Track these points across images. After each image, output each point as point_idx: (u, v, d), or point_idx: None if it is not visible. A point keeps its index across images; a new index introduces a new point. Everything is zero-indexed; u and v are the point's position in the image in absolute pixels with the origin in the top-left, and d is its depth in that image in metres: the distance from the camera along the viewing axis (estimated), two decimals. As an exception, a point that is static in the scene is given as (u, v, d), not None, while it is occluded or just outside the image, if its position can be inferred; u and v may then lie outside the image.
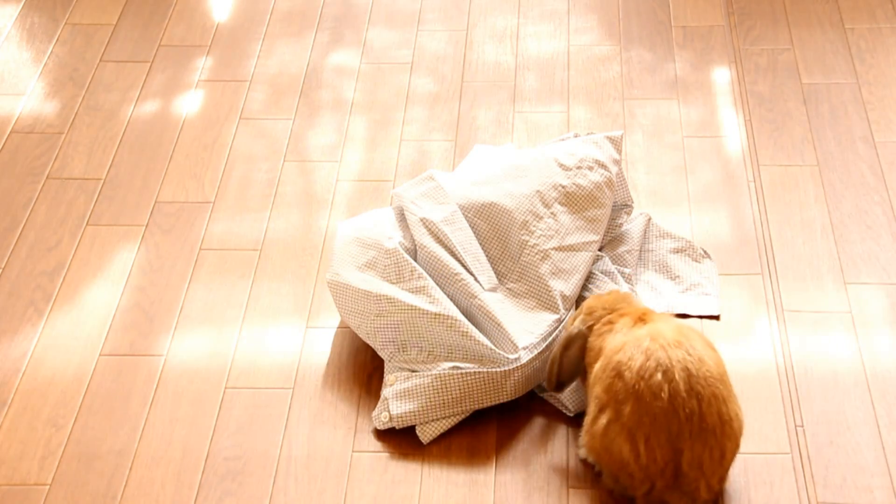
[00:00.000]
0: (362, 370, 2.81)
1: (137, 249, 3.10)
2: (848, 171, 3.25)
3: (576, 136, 3.17)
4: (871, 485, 2.55)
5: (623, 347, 2.42)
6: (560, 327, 2.74)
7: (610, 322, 2.54)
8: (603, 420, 2.41)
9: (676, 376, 2.35)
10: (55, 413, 2.73)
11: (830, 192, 3.19)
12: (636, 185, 3.22)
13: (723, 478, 2.44)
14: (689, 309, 2.89)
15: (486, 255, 2.84)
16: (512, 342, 2.66)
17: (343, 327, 2.90)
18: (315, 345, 2.87)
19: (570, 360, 2.59)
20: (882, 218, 3.12)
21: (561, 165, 2.93)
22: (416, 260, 2.81)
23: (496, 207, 2.87)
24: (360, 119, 3.47)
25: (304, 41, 3.75)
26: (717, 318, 2.88)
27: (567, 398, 2.70)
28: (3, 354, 2.86)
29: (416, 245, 2.82)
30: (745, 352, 2.82)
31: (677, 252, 3.02)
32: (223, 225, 3.16)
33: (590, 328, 2.57)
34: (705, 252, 3.02)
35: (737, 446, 2.43)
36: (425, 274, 2.75)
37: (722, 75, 3.57)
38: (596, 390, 2.45)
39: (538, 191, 2.89)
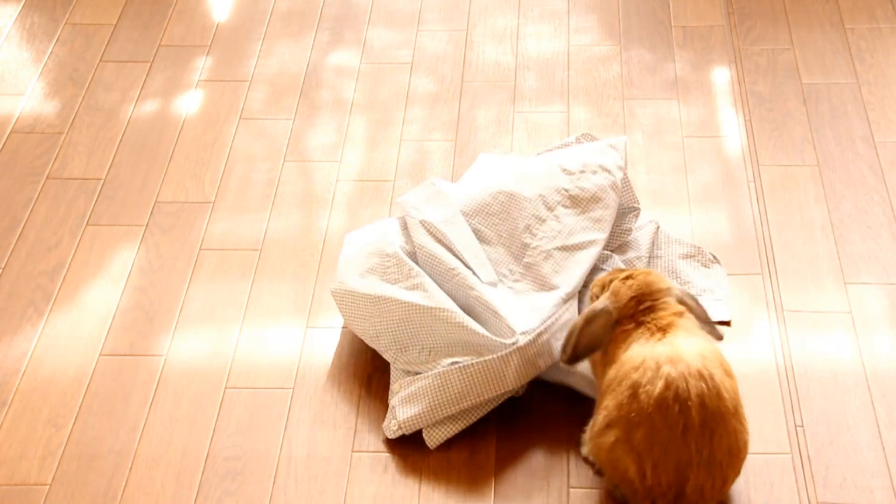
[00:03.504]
0: (362, 370, 2.81)
1: (137, 249, 3.10)
2: (848, 171, 3.25)
3: (577, 141, 3.16)
4: (871, 485, 2.55)
5: (641, 365, 2.36)
6: (560, 311, 2.72)
7: (627, 330, 2.46)
8: (611, 436, 2.39)
9: (693, 412, 2.31)
10: (55, 413, 2.73)
11: (830, 192, 3.19)
12: (636, 185, 3.22)
13: (721, 502, 2.45)
14: None
15: (489, 258, 2.84)
16: (510, 328, 2.64)
17: (343, 327, 2.90)
18: (315, 345, 2.87)
19: (590, 334, 2.50)
20: (882, 218, 3.12)
21: (565, 171, 2.94)
22: (416, 262, 2.81)
23: (499, 212, 2.87)
24: (360, 119, 3.47)
25: (304, 41, 3.75)
26: (727, 323, 2.87)
27: (580, 382, 2.69)
28: (3, 354, 2.86)
29: (415, 247, 2.82)
30: (745, 352, 2.82)
31: (686, 258, 3.00)
32: (223, 225, 3.16)
33: (617, 310, 2.48)
34: (714, 257, 3.00)
35: (738, 473, 2.43)
36: (422, 272, 2.75)
37: (722, 75, 3.57)
38: (606, 401, 2.41)
39: (541, 195, 2.89)
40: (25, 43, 3.78)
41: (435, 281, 2.76)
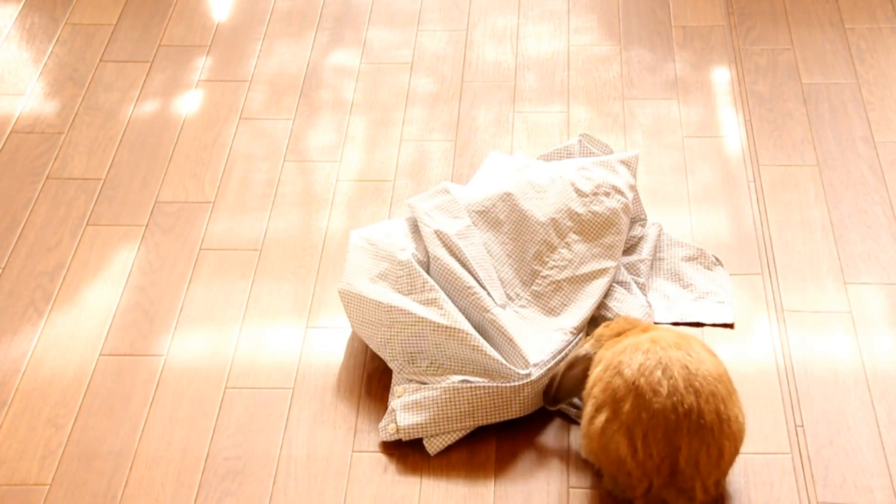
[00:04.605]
0: (362, 370, 2.81)
1: (137, 249, 3.10)
2: (848, 171, 3.25)
3: (579, 144, 3.16)
4: (871, 485, 2.55)
5: (624, 350, 2.44)
6: (571, 345, 2.72)
7: (614, 342, 2.55)
8: (600, 419, 2.41)
9: (675, 373, 2.36)
10: (55, 413, 2.73)
11: (830, 192, 3.19)
12: (637, 185, 3.21)
13: (719, 481, 2.44)
14: (704, 317, 2.87)
15: (498, 276, 2.83)
16: (523, 358, 2.65)
17: (343, 327, 2.90)
18: (315, 345, 2.87)
19: (570, 379, 2.60)
20: (882, 218, 3.12)
21: (578, 191, 2.92)
22: (428, 272, 2.80)
23: (509, 230, 2.86)
24: (360, 119, 3.47)
25: (304, 41, 3.75)
26: (731, 325, 2.87)
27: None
28: (3, 354, 2.86)
29: (429, 257, 2.81)
30: (745, 352, 2.82)
31: (689, 260, 3.00)
32: (223, 225, 3.16)
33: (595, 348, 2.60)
34: (717, 259, 3.00)
35: (736, 448, 2.42)
36: (437, 286, 2.74)
37: (722, 75, 3.57)
38: (594, 391, 2.45)
39: (553, 219, 2.88)
40: (25, 43, 3.78)
41: (449, 296, 2.75)
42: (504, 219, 2.89)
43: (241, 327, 2.91)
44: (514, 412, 2.64)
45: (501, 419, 2.64)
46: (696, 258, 3.01)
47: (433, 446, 2.63)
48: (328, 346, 2.86)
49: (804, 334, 2.85)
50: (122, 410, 2.73)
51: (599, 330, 2.63)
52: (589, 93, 3.53)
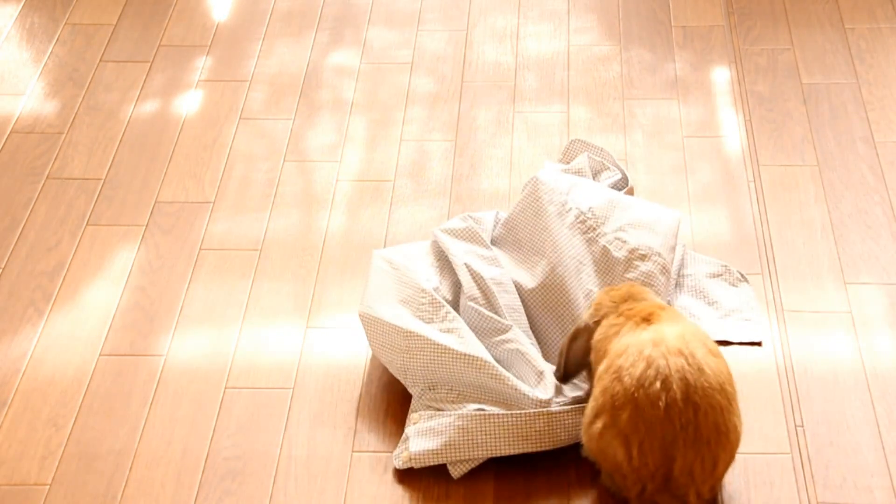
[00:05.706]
0: (362, 370, 2.81)
1: (137, 249, 3.10)
2: (848, 171, 3.25)
3: (588, 157, 3.13)
4: (871, 485, 2.55)
5: (626, 351, 2.41)
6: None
7: (616, 325, 2.52)
8: (599, 424, 2.41)
9: (674, 386, 2.34)
10: (55, 413, 2.73)
11: (830, 192, 3.19)
12: (636, 185, 3.22)
13: (714, 486, 2.43)
14: (730, 336, 2.83)
15: (539, 330, 2.78)
16: (546, 386, 2.61)
17: (343, 327, 2.90)
18: (315, 345, 2.87)
19: (575, 352, 2.59)
20: (882, 218, 3.12)
21: (612, 259, 2.83)
22: (455, 308, 2.76)
23: (547, 303, 2.80)
24: (360, 119, 3.47)
25: (304, 41, 3.75)
26: (759, 343, 2.85)
27: None
28: (3, 354, 2.86)
29: (456, 292, 2.77)
30: (746, 352, 2.82)
31: (714, 277, 2.96)
32: (223, 225, 3.16)
33: (596, 323, 2.57)
34: (742, 275, 2.96)
35: (731, 457, 2.42)
36: (458, 317, 2.71)
37: (722, 75, 3.57)
38: (595, 391, 2.45)
39: (589, 291, 2.79)
40: (25, 43, 3.79)
41: (475, 333, 2.72)
42: (542, 283, 2.81)
43: (241, 327, 2.91)
44: (531, 445, 2.57)
45: (515, 452, 2.58)
46: (721, 275, 2.96)
47: (457, 470, 2.59)
48: (328, 346, 2.86)
49: (804, 334, 2.85)
50: (122, 410, 2.73)
51: (599, 297, 2.61)
52: (589, 93, 3.53)
